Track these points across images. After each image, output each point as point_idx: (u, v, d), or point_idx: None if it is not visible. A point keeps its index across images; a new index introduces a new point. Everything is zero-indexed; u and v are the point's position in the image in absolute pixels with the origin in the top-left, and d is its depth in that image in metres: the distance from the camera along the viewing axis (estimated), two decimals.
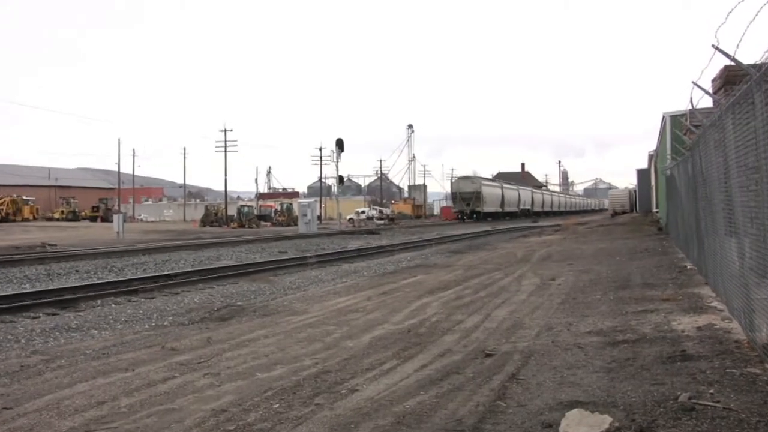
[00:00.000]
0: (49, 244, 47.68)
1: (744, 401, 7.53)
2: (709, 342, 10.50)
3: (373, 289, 20.79)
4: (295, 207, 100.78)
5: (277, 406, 8.46)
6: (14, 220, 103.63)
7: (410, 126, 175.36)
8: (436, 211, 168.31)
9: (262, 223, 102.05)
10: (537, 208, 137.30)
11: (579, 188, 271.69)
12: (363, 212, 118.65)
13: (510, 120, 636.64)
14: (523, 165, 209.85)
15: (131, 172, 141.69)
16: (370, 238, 58.88)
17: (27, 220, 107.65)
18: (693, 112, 15.94)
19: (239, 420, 7.97)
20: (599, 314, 14.01)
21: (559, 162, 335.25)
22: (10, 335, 15.01)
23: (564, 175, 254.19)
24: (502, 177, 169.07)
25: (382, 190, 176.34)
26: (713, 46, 9.81)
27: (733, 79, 14.98)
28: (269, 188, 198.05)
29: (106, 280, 24.78)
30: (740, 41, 9.25)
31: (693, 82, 13.41)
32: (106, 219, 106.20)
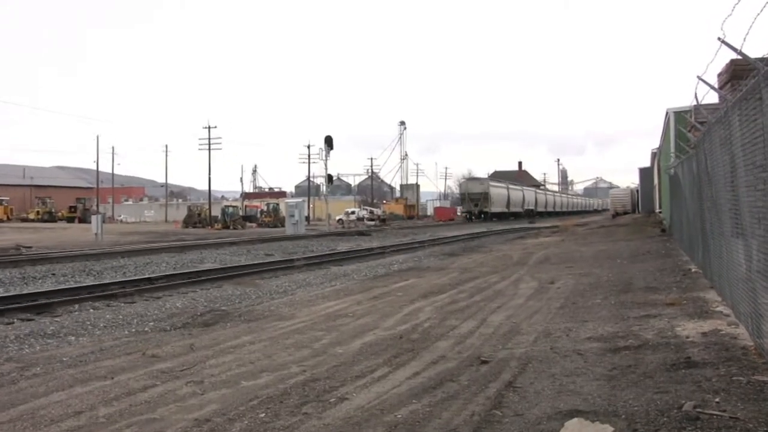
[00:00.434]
0: (24, 247, 47.50)
1: (751, 410, 7.54)
2: (715, 348, 10.51)
3: (363, 293, 20.78)
4: (282, 207, 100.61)
5: (263, 415, 8.44)
6: None
7: (402, 123, 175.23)
8: (430, 211, 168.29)
9: (248, 224, 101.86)
10: (540, 209, 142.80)
11: (579, 188, 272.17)
12: (353, 213, 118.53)
13: (506, 116, 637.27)
14: (520, 163, 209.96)
15: (110, 171, 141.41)
16: (361, 240, 58.88)
17: (0, 221, 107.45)
18: (698, 108, 15.99)
19: (223, 430, 7.95)
20: (600, 319, 14.02)
21: (558, 160, 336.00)
22: None
23: (563, 174, 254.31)
24: (499, 176, 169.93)
25: (373, 189, 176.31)
26: (719, 39, 9.81)
27: (740, 73, 14.99)
28: (255, 188, 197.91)
29: (84, 284, 24.71)
30: (747, 34, 9.25)
31: (698, 77, 13.42)
32: (84, 220, 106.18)
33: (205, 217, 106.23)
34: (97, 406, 9.11)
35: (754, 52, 9.90)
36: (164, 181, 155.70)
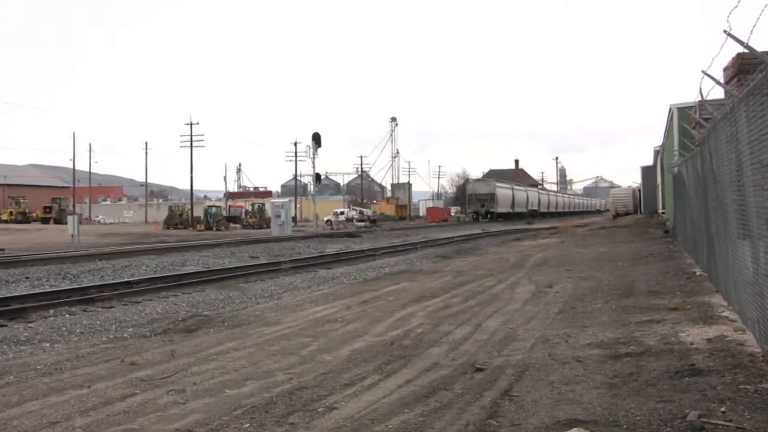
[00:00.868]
0: None
1: (759, 420, 7.55)
2: (721, 355, 10.52)
3: (352, 298, 20.77)
4: (268, 207, 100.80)
5: (247, 425, 8.43)
6: None
7: (393, 119, 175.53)
8: (422, 212, 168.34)
9: (232, 225, 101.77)
10: (543, 209, 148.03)
11: (578, 187, 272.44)
12: (342, 213, 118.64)
13: (502, 113, 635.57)
14: (516, 161, 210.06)
15: (87, 169, 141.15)
16: (350, 242, 58.92)
17: None
18: (703, 103, 15.99)
19: None
20: (600, 325, 14.03)
21: (557, 158, 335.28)
22: None
23: (562, 173, 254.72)
24: (495, 175, 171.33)
25: (362, 189, 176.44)
26: (725, 31, 9.83)
27: (746, 67, 14.99)
28: (239, 187, 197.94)
29: (60, 288, 24.68)
30: (755, 26, 9.26)
31: (703, 71, 13.44)
32: (60, 221, 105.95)
33: (187, 217, 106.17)
34: (74, 416, 9.09)
35: (761, 45, 9.92)
36: (144, 180, 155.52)
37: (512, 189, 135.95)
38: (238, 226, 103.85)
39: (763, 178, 9.04)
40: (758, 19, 9.08)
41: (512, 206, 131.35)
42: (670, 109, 44.42)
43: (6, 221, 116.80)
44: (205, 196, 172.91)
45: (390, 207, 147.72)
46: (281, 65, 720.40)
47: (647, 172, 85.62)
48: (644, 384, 9.26)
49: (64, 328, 17.48)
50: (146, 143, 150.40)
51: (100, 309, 20.78)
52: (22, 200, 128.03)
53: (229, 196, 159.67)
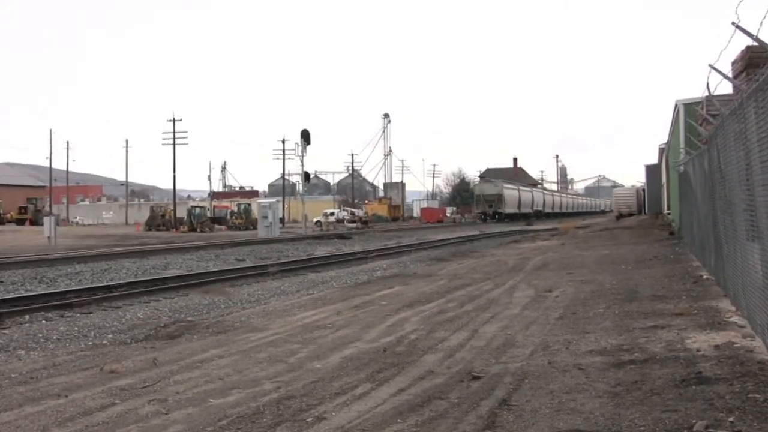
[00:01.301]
0: None
1: None
2: (729, 363, 10.53)
3: (343, 302, 20.76)
4: (255, 208, 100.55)
5: None
6: None
7: (386, 115, 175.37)
8: (416, 212, 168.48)
9: (217, 226, 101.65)
10: (547, 209, 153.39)
11: (579, 186, 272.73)
12: (332, 214, 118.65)
13: (500, 109, 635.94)
14: (515, 160, 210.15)
15: (65, 168, 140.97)
16: (341, 244, 58.92)
17: None
18: (710, 99, 16.04)
19: None
20: (602, 331, 14.04)
21: (557, 156, 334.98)
22: None
23: (562, 172, 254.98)
24: (492, 174, 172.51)
25: (354, 188, 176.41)
26: (733, 23, 9.85)
27: (756, 61, 15.05)
28: (225, 186, 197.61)
29: (36, 293, 24.63)
30: (765, 17, 9.27)
31: (710, 65, 13.48)
32: (36, 222, 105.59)
33: (169, 218, 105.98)
34: (50, 428, 9.07)
35: None
36: (124, 180, 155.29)
37: (518, 190, 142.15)
38: (223, 227, 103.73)
39: None
40: None
41: (519, 207, 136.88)
42: (676, 105, 44.46)
43: None
44: (189, 196, 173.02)
45: (382, 207, 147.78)
46: (269, 59, 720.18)
47: (652, 171, 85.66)
48: (649, 393, 9.27)
49: (41, 335, 17.45)
50: (127, 141, 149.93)
51: (78, 315, 20.74)
52: None
53: (214, 196, 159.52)
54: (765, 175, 9.60)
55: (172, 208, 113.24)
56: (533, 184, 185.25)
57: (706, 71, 14.21)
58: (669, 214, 59.01)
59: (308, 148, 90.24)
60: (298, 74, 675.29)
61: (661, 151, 71.38)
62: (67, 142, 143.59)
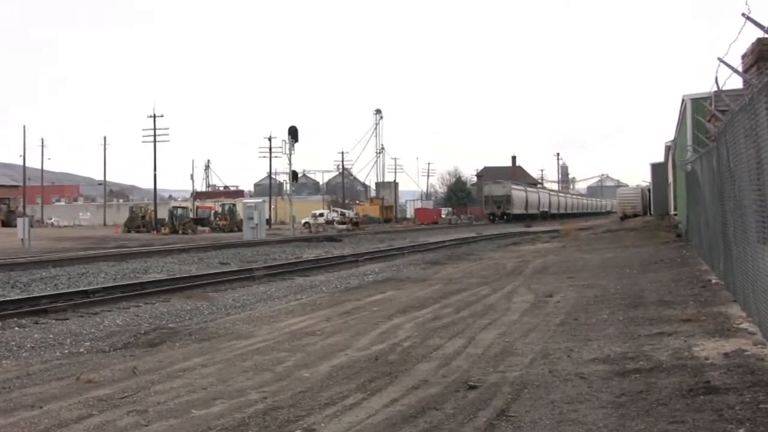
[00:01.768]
0: None
1: None
2: (739, 372, 10.54)
3: (333, 308, 20.77)
4: (240, 209, 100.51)
5: None
6: None
7: (378, 111, 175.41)
8: (410, 213, 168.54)
9: (200, 228, 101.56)
10: (553, 210, 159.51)
11: (581, 186, 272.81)
12: (321, 215, 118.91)
13: (498, 106, 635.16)
14: (513, 158, 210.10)
15: (39, 167, 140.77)
16: (330, 246, 58.89)
17: None
18: (719, 94, 16.06)
19: None
20: (606, 338, 14.05)
21: (558, 154, 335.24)
22: None
23: (563, 171, 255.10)
24: (489, 172, 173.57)
25: (344, 188, 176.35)
26: (743, 15, 9.86)
27: (767, 54, 15.07)
28: (208, 186, 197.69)
29: (8, 298, 24.59)
30: None
31: (719, 59, 13.49)
32: (9, 223, 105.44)
33: (150, 219, 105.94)
34: None
35: None
36: (102, 179, 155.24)
37: (526, 191, 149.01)
38: (206, 229, 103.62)
39: None
40: None
41: (526, 207, 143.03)
42: (683, 101, 44.49)
43: None
44: (170, 196, 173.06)
45: (374, 208, 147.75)
46: (255, 52, 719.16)
47: (657, 170, 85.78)
48: (654, 403, 9.28)
49: (13, 343, 17.42)
50: (105, 138, 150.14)
51: (53, 321, 20.72)
52: None
53: (197, 196, 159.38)
54: None
55: (152, 208, 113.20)
56: (533, 183, 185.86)
57: (714, 65, 14.18)
58: (676, 215, 59.08)
59: (296, 145, 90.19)
60: (285, 68, 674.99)
61: (668, 148, 71.42)
62: (42, 140, 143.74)
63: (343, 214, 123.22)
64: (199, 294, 26.02)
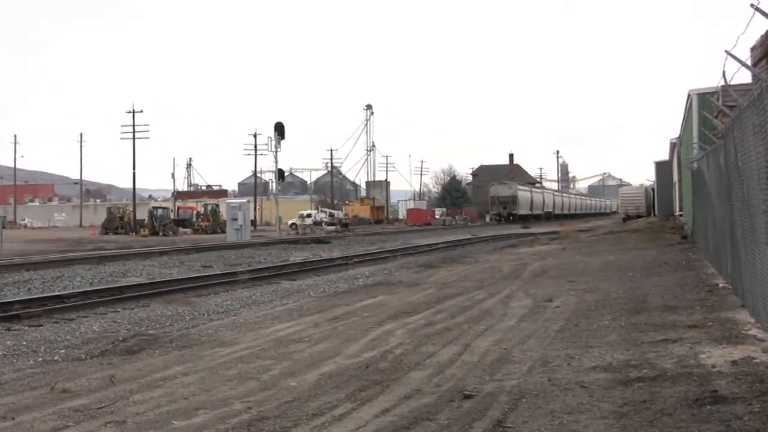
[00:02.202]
0: None
1: None
2: (747, 380, 10.54)
3: (321, 314, 20.77)
4: (223, 209, 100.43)
5: None
6: None
7: (369, 106, 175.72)
8: (402, 214, 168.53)
9: (181, 229, 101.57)
10: (557, 211, 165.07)
11: (582, 185, 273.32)
12: (309, 216, 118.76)
13: (495, 101, 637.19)
14: (511, 156, 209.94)
15: (11, 165, 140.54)
16: (318, 249, 58.89)
17: None
18: (726, 89, 16.07)
19: None
20: (608, 345, 14.06)
21: (557, 152, 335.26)
22: None
23: (563, 169, 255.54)
24: (486, 171, 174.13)
25: (333, 187, 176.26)
26: (752, 5, 9.87)
27: None
28: (190, 185, 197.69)
29: None
30: None
31: (726, 52, 13.50)
32: None
33: (128, 221, 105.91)
34: None
35: None
36: (79, 178, 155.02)
37: (531, 192, 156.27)
38: (188, 230, 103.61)
39: None
40: None
41: (531, 208, 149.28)
42: (689, 96, 44.55)
43: None
44: (150, 196, 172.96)
45: (365, 208, 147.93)
46: (239, 46, 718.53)
47: (662, 168, 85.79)
48: (659, 413, 9.28)
49: None
50: (81, 135, 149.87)
51: (26, 327, 20.67)
52: None
53: (178, 196, 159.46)
54: None
55: (131, 209, 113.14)
56: (531, 182, 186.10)
57: (721, 58, 14.19)
58: (681, 215, 59.15)
59: (283, 142, 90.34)
60: (272, 61, 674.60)
61: (673, 146, 71.49)
62: (15, 136, 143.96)
63: (331, 215, 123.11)
64: (181, 299, 25.97)
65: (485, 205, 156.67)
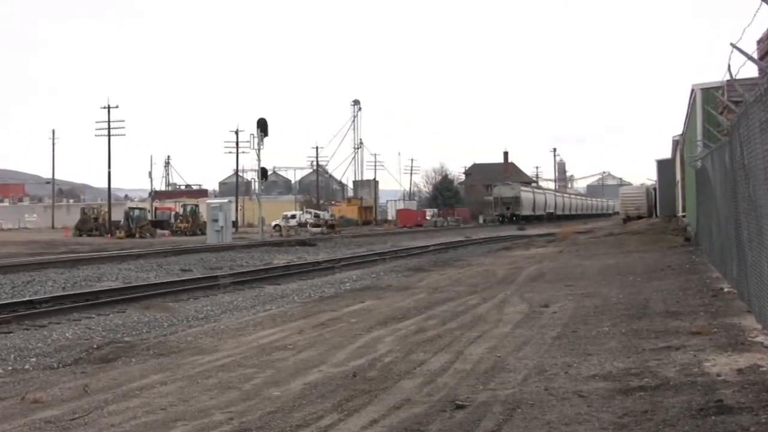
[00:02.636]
0: None
1: None
2: (754, 389, 10.55)
3: (306, 320, 20.75)
4: (203, 210, 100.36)
5: None
6: None
7: (356, 102, 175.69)
8: (391, 214, 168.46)
9: (159, 231, 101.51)
10: (559, 212, 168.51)
11: (581, 185, 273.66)
12: (293, 217, 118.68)
13: (489, 97, 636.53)
14: (506, 154, 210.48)
15: None
16: (303, 252, 58.92)
17: None
18: (732, 83, 16.09)
19: None
20: (607, 352, 14.07)
21: (554, 150, 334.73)
22: None
23: (561, 168, 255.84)
24: (479, 169, 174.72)
25: (319, 187, 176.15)
26: None
27: None
28: (168, 185, 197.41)
29: None
30: None
31: (732, 45, 13.52)
32: None
33: (103, 222, 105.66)
34: None
35: None
36: (51, 177, 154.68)
37: (533, 192, 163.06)
38: (166, 232, 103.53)
39: None
40: None
41: (533, 209, 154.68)
42: (693, 91, 44.59)
43: None
44: (126, 196, 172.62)
45: (352, 209, 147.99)
46: (220, 38, 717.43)
47: (664, 167, 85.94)
48: (661, 424, 9.29)
49: None
50: (53, 131, 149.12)
51: None
52: None
53: (156, 196, 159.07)
54: None
55: (106, 209, 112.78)
56: (527, 182, 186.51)
57: (727, 51, 14.20)
58: (684, 216, 59.24)
59: (266, 140, 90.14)
60: (254, 55, 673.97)
61: (675, 143, 71.60)
62: None
63: (317, 216, 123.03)
64: (158, 304, 25.95)
65: (478, 206, 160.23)
